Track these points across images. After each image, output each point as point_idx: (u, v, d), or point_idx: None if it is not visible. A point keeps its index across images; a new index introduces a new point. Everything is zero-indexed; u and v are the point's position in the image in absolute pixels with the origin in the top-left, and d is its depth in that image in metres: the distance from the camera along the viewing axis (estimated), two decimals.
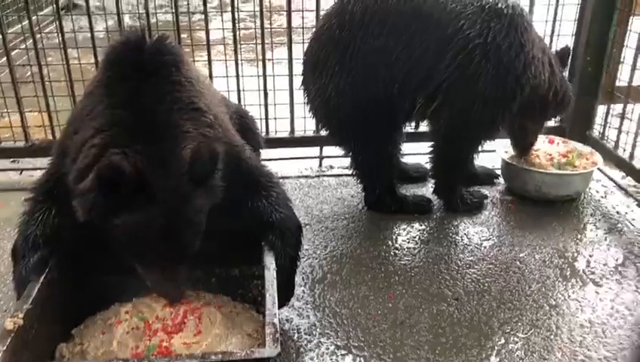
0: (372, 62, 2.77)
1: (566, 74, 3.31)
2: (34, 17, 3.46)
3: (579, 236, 2.97)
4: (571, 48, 3.40)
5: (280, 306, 2.14)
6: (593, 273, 2.68)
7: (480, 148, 3.08)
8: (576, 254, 2.82)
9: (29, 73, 3.55)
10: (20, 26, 3.95)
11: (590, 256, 2.81)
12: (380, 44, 2.74)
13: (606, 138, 3.64)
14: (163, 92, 1.93)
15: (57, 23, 3.39)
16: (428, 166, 3.25)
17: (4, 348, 1.65)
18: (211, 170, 1.86)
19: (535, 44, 2.84)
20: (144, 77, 1.91)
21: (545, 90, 2.95)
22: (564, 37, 3.68)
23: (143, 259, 1.93)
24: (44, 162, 3.53)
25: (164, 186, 1.79)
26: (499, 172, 3.50)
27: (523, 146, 3.28)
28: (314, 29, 3.09)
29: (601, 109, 3.70)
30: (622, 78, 3.52)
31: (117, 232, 1.82)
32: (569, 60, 3.28)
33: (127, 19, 4.16)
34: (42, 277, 1.93)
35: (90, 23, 3.37)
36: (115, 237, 1.85)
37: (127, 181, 1.71)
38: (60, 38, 3.39)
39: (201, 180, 1.85)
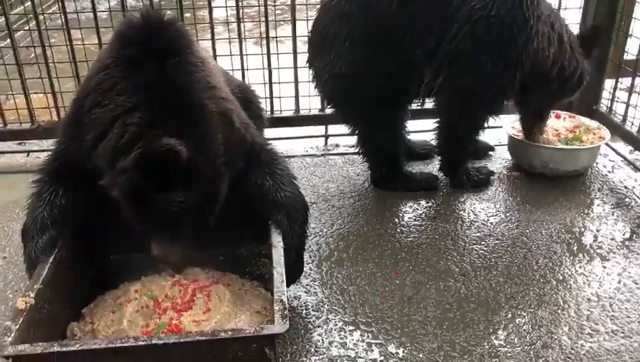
0: (382, 35, 2.74)
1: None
2: None
3: (586, 211, 2.96)
4: (594, 26, 3.31)
5: (289, 284, 2.17)
6: (600, 247, 2.68)
7: (485, 124, 3.06)
8: (583, 229, 2.81)
9: (32, 55, 3.54)
10: (22, 7, 3.93)
11: (597, 230, 2.80)
12: (390, 17, 2.71)
13: (614, 112, 3.60)
14: (186, 73, 1.93)
15: (60, 3, 3.36)
16: (434, 143, 3.24)
17: (17, 326, 1.67)
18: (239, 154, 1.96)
19: (542, 18, 2.79)
20: (166, 58, 1.90)
21: (548, 67, 2.88)
22: (572, 10, 3.63)
23: (164, 235, 1.95)
24: (50, 144, 3.55)
25: (205, 169, 1.84)
26: (500, 148, 3.48)
27: (528, 127, 3.21)
28: (319, 5, 3.05)
29: (608, 83, 3.66)
30: (630, 51, 3.47)
31: (149, 211, 1.84)
32: (597, 41, 3.14)
33: (130, 0, 4.12)
34: (52, 258, 1.95)
35: (93, 3, 3.34)
36: (140, 215, 1.87)
37: (179, 164, 1.73)
38: (63, 19, 3.36)
39: (233, 163, 1.93)
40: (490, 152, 3.51)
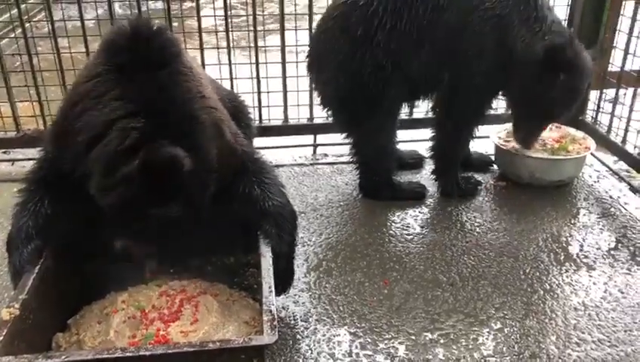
0: (404, 41, 2.78)
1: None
2: (23, 6, 3.41)
3: (572, 220, 2.99)
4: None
5: (280, 294, 2.17)
6: (587, 257, 2.70)
7: (477, 128, 3.10)
8: (569, 238, 2.84)
9: (18, 63, 3.51)
10: (8, 14, 3.90)
11: (584, 239, 2.83)
12: (404, 27, 2.76)
13: (599, 123, 3.65)
14: (178, 82, 1.92)
15: (47, 11, 3.35)
16: (423, 153, 3.25)
17: (1, 338, 1.65)
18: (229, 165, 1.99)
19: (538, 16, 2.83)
20: (157, 67, 1.89)
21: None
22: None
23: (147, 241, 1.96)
24: (36, 152, 3.52)
25: (201, 181, 1.85)
26: (493, 158, 3.51)
27: (521, 134, 3.15)
28: (325, 10, 3.04)
29: (593, 94, 3.71)
30: (614, 63, 3.53)
31: (138, 222, 1.84)
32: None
33: (117, 8, 4.11)
34: (37, 268, 1.92)
35: (80, 11, 3.33)
36: (127, 224, 1.87)
37: (180, 175, 1.73)
38: (50, 27, 3.35)
39: (222, 174, 1.96)
40: (490, 167, 3.51)
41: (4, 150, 3.66)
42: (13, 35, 3.74)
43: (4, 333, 1.66)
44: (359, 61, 2.81)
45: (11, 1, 3.46)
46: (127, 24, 1.94)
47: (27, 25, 3.42)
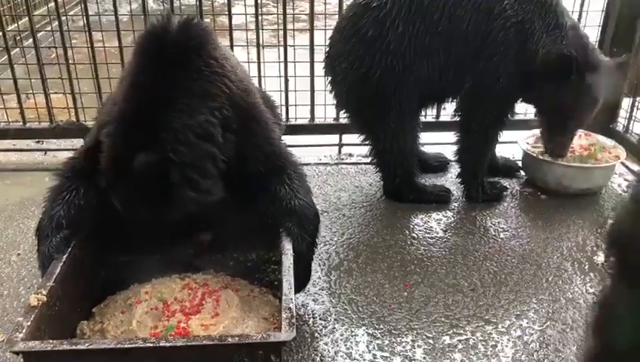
0: (416, 45, 2.79)
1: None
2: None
3: (599, 230, 2.94)
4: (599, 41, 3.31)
5: (296, 291, 2.18)
6: (612, 267, 2.65)
7: (501, 132, 3.08)
8: (595, 248, 2.79)
9: (53, 55, 3.60)
10: (46, 7, 3.99)
11: None
12: (417, 32, 2.77)
13: (630, 131, 3.58)
14: (167, 85, 1.93)
15: (82, 5, 3.42)
16: (448, 155, 3.24)
17: (29, 323, 1.70)
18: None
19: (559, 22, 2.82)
20: (163, 66, 1.93)
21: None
22: (591, 28, 3.61)
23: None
24: (67, 143, 3.64)
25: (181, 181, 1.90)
26: (520, 164, 3.47)
27: (551, 145, 3.14)
28: (344, 10, 3.05)
29: (626, 102, 3.64)
30: None
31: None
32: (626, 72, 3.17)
33: (151, 3, 4.18)
34: (65, 256, 1.97)
35: (114, 5, 3.39)
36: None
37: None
38: (85, 21, 3.42)
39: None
40: (517, 173, 3.46)
41: (37, 140, 3.75)
42: (49, 28, 3.83)
43: (31, 319, 1.71)
44: (370, 62, 2.82)
45: None
46: (150, 22, 2.00)
47: (63, 18, 3.49)
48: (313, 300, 2.41)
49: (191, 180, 1.91)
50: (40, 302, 1.78)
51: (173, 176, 1.86)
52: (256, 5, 3.41)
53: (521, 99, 3.05)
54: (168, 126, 1.88)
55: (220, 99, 2.03)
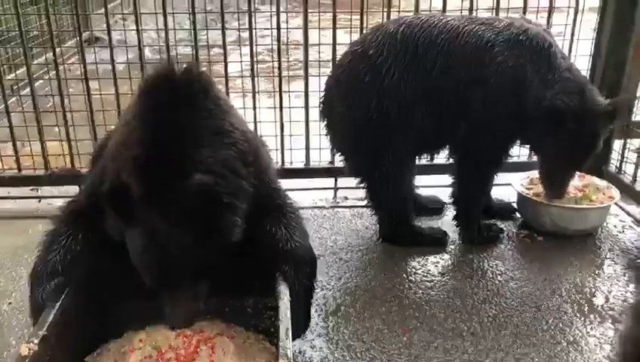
0: (411, 92, 2.83)
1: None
2: (58, 49, 3.55)
3: (597, 271, 2.93)
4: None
5: (295, 337, 2.14)
6: (612, 309, 2.63)
7: (496, 174, 3.10)
8: (594, 290, 2.77)
9: (50, 103, 3.63)
10: (44, 57, 4.05)
11: (609, 291, 2.76)
12: (411, 80, 2.82)
13: (623, 172, 3.61)
14: (185, 123, 1.94)
15: (80, 55, 3.48)
16: (444, 198, 3.24)
17: None
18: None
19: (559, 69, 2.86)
20: (177, 105, 1.94)
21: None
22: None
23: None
24: (62, 190, 3.63)
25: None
26: (516, 206, 3.48)
27: (548, 186, 3.14)
28: (342, 55, 3.10)
29: (617, 144, 3.68)
30: (638, 113, 3.51)
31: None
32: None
33: (147, 52, 4.25)
34: (58, 304, 1.94)
35: (111, 55, 3.45)
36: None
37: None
38: (82, 70, 3.47)
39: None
40: (513, 215, 3.46)
41: (32, 187, 3.74)
42: (47, 77, 3.87)
43: None
44: (366, 107, 2.85)
45: (47, 46, 3.60)
46: (155, 68, 2.02)
47: (61, 67, 3.54)
48: (311, 347, 2.37)
49: (235, 207, 1.89)
50: (32, 352, 1.74)
51: (225, 197, 1.82)
52: (251, 54, 3.48)
53: (518, 141, 3.08)
54: (197, 160, 1.88)
55: (233, 135, 2.04)
